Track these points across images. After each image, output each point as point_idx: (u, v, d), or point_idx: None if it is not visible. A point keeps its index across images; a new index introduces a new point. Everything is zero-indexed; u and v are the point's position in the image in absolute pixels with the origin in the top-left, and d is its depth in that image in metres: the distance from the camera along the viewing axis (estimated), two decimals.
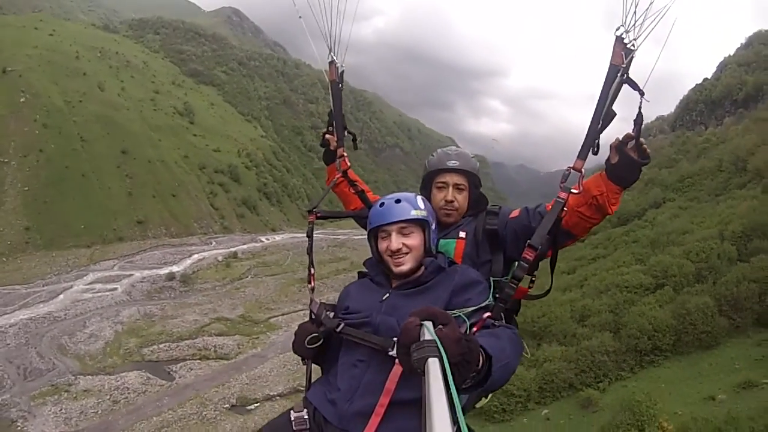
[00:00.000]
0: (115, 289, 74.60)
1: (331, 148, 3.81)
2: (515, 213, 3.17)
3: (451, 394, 1.40)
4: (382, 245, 2.88)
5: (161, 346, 58.47)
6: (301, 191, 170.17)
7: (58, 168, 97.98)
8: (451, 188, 3.34)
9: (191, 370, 53.60)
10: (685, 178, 70.02)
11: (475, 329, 2.48)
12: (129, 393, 47.55)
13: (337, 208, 4.03)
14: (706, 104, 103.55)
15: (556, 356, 29.48)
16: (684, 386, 23.75)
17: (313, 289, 3.32)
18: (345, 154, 3.71)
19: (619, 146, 2.73)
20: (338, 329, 2.78)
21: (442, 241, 3.22)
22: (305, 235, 3.52)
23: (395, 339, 2.38)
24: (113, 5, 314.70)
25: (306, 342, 2.81)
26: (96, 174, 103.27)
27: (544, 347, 31.06)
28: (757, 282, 26.87)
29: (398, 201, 2.85)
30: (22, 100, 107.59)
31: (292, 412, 2.74)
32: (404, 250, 2.80)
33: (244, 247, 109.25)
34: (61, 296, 69.20)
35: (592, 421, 23.16)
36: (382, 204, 2.89)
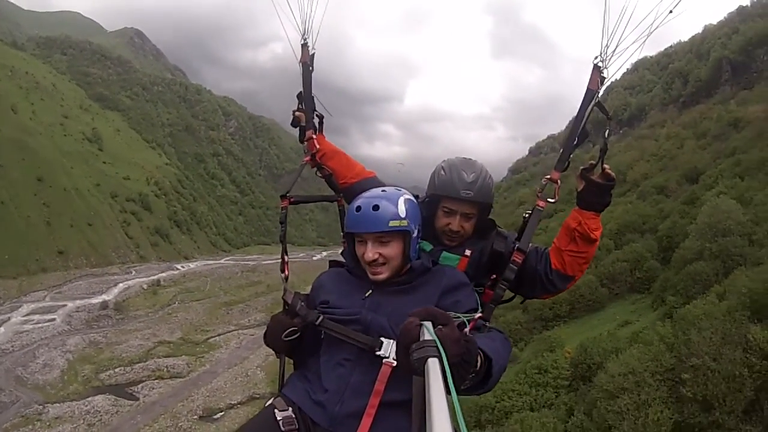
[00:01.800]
0: (54, 319, 77.33)
1: (303, 124, 3.63)
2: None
3: (451, 394, 1.41)
4: (359, 250, 2.72)
5: (116, 370, 62.87)
6: (208, 219, 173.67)
7: None
8: (458, 217, 3.13)
9: (153, 389, 58.67)
10: (573, 191, 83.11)
11: (466, 330, 2.40)
12: (102, 415, 51.76)
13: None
14: (593, 124, 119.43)
15: None
16: (579, 335, 32.59)
17: (287, 278, 3.15)
18: (313, 136, 3.56)
19: (582, 174, 2.98)
20: (318, 322, 2.69)
21: (445, 254, 3.13)
22: (279, 221, 3.35)
23: (382, 339, 2.49)
24: (16, 19, 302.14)
25: (284, 335, 2.68)
26: (14, 202, 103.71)
27: None
28: (627, 261, 37.52)
29: (376, 207, 2.63)
30: None
31: (276, 411, 2.60)
32: (380, 260, 2.65)
33: (164, 275, 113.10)
34: (1, 329, 71.10)
35: (517, 368, 31.45)
36: (358, 208, 2.67)
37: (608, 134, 3.13)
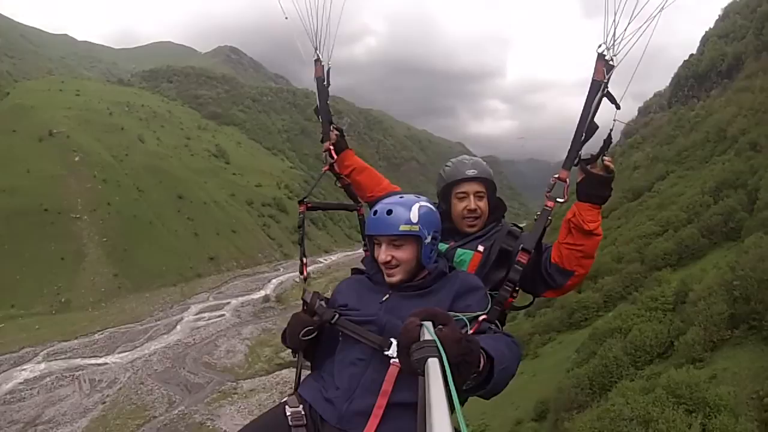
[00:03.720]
0: (223, 315, 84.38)
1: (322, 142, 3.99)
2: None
3: (451, 394, 1.44)
4: (376, 252, 2.90)
5: None
6: (341, 214, 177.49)
7: (127, 218, 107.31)
8: (472, 197, 3.45)
9: None
10: (681, 152, 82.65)
11: (471, 332, 2.55)
12: (292, 384, 55.14)
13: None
14: (695, 79, 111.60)
15: (608, 282, 44.58)
16: (682, 275, 36.89)
17: (305, 279, 3.39)
18: (331, 147, 3.87)
19: (582, 165, 3.02)
20: (333, 321, 2.81)
21: (459, 250, 3.37)
22: (297, 225, 3.70)
23: (392, 339, 2.56)
24: (111, 59, 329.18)
25: (301, 334, 2.79)
26: (160, 220, 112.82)
27: (600, 281, 45.83)
28: (722, 215, 42.02)
29: (390, 212, 2.80)
30: (76, 159, 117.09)
31: (287, 407, 2.76)
32: (393, 262, 2.81)
33: (311, 268, 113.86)
34: (178, 327, 78.18)
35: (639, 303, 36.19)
36: (375, 212, 2.87)
37: (614, 126, 3.04)
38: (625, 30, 2.83)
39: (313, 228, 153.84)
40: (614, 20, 2.82)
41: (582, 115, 3.01)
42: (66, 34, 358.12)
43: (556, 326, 45.12)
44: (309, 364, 3.10)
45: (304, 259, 3.57)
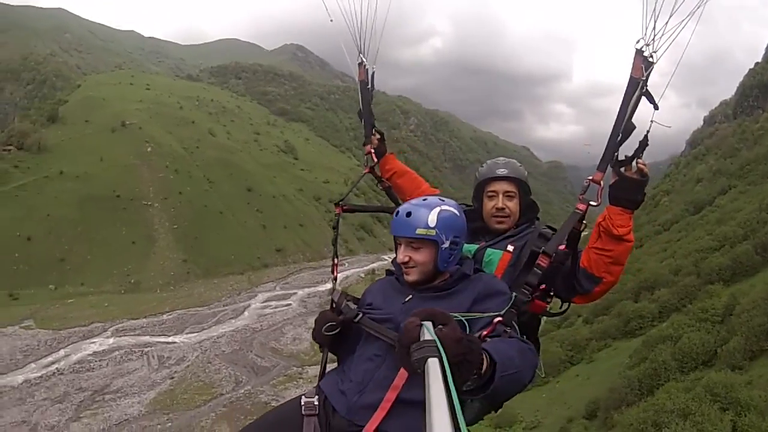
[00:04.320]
0: (290, 304, 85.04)
1: (364, 145, 4.11)
2: (564, 246, 3.17)
3: (451, 394, 1.46)
4: (397, 252, 2.98)
5: None
6: None
7: (198, 207, 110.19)
8: (501, 196, 3.49)
9: None
10: (744, 166, 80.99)
11: (485, 333, 2.56)
12: None
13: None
14: (760, 89, 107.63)
15: (664, 294, 43.99)
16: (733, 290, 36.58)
17: (335, 279, 3.50)
18: (372, 150, 4.05)
19: (615, 168, 2.96)
20: (356, 319, 2.91)
21: (489, 250, 3.40)
22: (332, 227, 3.80)
23: None
24: (179, 55, 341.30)
25: (324, 329, 2.93)
26: (230, 211, 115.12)
27: (656, 293, 45.25)
28: None
29: (409, 214, 2.86)
30: (148, 149, 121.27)
31: (303, 397, 2.88)
32: (411, 263, 2.87)
33: (375, 265, 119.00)
34: (246, 313, 79.26)
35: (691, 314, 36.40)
36: (397, 213, 2.93)
37: (650, 127, 2.89)
38: (666, 24, 2.73)
39: (378, 225, 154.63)
40: (654, 14, 2.73)
41: (618, 114, 2.95)
42: (133, 31, 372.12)
43: (613, 333, 44.76)
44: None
45: (336, 260, 3.67)
